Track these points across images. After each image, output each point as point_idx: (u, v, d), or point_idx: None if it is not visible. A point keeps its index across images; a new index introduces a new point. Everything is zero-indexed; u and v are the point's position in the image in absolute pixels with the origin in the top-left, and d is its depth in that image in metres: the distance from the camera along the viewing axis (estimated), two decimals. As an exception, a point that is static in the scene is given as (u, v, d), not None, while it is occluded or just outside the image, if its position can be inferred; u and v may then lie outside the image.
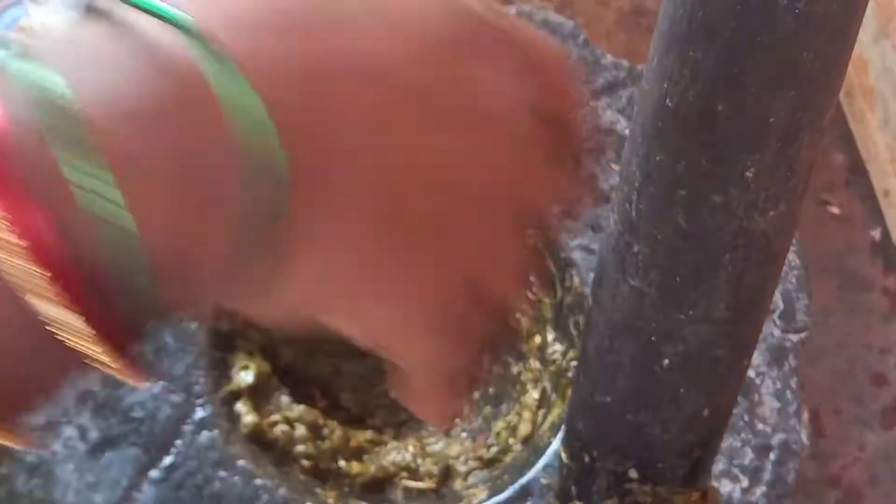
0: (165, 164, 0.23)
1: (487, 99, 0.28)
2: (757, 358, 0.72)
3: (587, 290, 0.73)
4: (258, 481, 0.67)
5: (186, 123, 0.24)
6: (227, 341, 0.73)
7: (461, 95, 0.27)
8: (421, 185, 0.27)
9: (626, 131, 0.57)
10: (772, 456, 0.70)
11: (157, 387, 0.68)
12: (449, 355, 0.32)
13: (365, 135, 0.25)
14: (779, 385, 0.72)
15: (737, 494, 0.69)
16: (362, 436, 0.76)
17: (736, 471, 0.70)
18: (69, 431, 0.66)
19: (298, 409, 0.73)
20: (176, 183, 0.24)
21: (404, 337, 0.31)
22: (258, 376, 0.71)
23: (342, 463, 0.73)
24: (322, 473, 0.72)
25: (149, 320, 0.25)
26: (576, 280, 0.74)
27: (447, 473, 0.75)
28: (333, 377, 0.83)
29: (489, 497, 0.70)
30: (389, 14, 0.26)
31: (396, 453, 0.76)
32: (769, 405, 0.71)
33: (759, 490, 0.69)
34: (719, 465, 0.69)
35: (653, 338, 0.45)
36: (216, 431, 0.68)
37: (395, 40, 0.26)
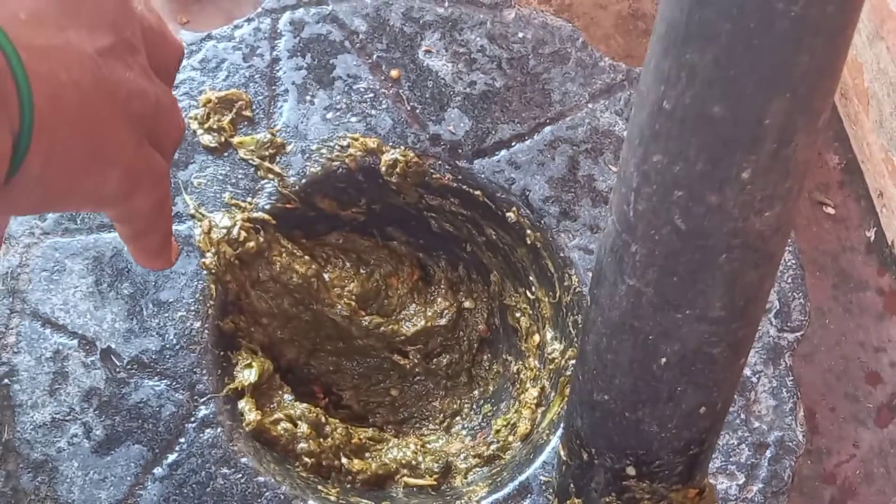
0: None
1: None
2: (753, 356, 0.72)
3: (585, 290, 0.73)
4: (261, 478, 0.67)
5: None
6: (229, 340, 0.73)
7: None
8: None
9: (624, 133, 0.58)
10: (768, 453, 0.70)
11: (161, 385, 0.68)
12: (151, 193, 0.43)
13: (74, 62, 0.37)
14: (775, 383, 0.72)
15: (733, 491, 0.69)
16: (363, 433, 0.76)
17: (732, 468, 0.70)
18: (74, 429, 0.67)
19: (300, 408, 0.73)
20: None
21: (121, 197, 0.42)
22: (261, 375, 0.72)
23: (344, 460, 0.73)
24: (324, 470, 0.72)
25: None
26: (574, 280, 0.74)
27: (447, 470, 0.76)
28: (335, 376, 0.84)
29: (489, 494, 0.70)
30: None
31: (397, 451, 0.76)
32: (765, 403, 0.71)
33: (756, 487, 0.70)
34: (716, 463, 0.70)
35: (650, 337, 0.45)
36: (219, 429, 0.68)
37: None
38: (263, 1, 0.81)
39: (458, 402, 0.85)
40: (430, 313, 0.84)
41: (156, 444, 0.67)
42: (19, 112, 0.35)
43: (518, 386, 0.82)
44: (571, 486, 0.57)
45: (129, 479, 0.66)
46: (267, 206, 0.75)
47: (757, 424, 0.71)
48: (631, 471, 0.52)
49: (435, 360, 0.85)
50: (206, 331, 0.70)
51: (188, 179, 0.74)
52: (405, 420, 0.85)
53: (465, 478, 0.75)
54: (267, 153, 0.75)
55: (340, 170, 0.77)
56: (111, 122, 0.39)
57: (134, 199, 0.42)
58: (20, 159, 0.35)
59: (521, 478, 0.70)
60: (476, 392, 0.86)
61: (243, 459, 0.67)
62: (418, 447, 0.77)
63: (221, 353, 0.72)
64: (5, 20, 0.35)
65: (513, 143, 0.77)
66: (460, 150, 0.77)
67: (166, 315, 0.70)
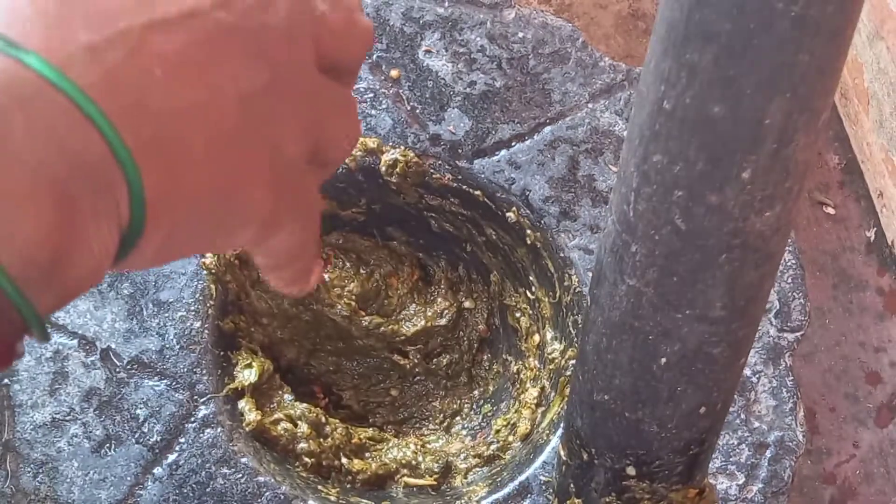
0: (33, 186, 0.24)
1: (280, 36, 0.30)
2: (753, 356, 0.72)
3: (585, 290, 0.73)
4: (261, 478, 0.67)
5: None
6: (229, 340, 0.73)
7: (259, 28, 0.30)
8: (237, 113, 0.29)
9: (624, 133, 0.58)
10: (768, 453, 0.70)
11: (161, 385, 0.68)
12: (297, 232, 0.35)
13: (183, 86, 0.28)
14: (775, 383, 0.72)
15: (733, 491, 0.69)
16: (363, 433, 0.76)
17: (732, 468, 0.70)
18: (74, 429, 0.67)
19: (300, 408, 0.73)
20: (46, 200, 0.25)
21: (266, 234, 0.34)
22: (261, 375, 0.72)
23: (344, 460, 0.73)
24: (324, 470, 0.72)
25: (21, 331, 0.26)
26: (574, 280, 0.74)
27: (447, 470, 0.76)
28: (335, 376, 0.84)
29: (489, 494, 0.70)
30: None
31: (397, 450, 0.76)
32: (765, 403, 0.71)
33: (756, 487, 0.70)
34: (716, 463, 0.70)
35: (650, 337, 0.45)
36: (219, 429, 0.68)
37: None
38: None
39: (458, 402, 0.85)
40: (430, 313, 0.84)
41: (156, 444, 0.67)
42: (129, 202, 0.27)
43: (518, 386, 0.82)
44: (571, 486, 0.57)
45: (129, 479, 0.66)
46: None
47: (757, 424, 0.71)
48: (631, 471, 0.52)
49: (435, 360, 0.85)
50: (206, 331, 0.70)
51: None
52: (405, 420, 0.85)
53: (465, 478, 0.75)
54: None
55: (340, 170, 0.77)
56: (251, 183, 0.30)
57: (272, 242, 0.34)
58: (129, 250, 0.29)
59: (521, 478, 0.70)
60: (476, 392, 0.86)
61: (243, 459, 0.67)
62: (418, 447, 0.77)
63: (221, 353, 0.72)
64: (97, 74, 0.25)
65: (513, 143, 0.77)
66: (460, 150, 0.77)
67: (166, 315, 0.70)
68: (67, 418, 0.67)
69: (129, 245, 0.28)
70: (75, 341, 0.69)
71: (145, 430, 0.67)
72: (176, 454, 0.67)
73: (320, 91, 0.33)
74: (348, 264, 0.84)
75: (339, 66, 0.34)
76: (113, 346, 0.69)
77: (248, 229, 0.32)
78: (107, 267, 0.28)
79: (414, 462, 0.75)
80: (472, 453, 0.77)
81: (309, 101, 0.32)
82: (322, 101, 0.33)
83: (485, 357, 0.87)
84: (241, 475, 0.67)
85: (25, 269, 0.24)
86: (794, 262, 0.75)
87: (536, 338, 0.80)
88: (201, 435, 0.68)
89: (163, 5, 0.27)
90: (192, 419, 0.68)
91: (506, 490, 0.70)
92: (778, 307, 0.74)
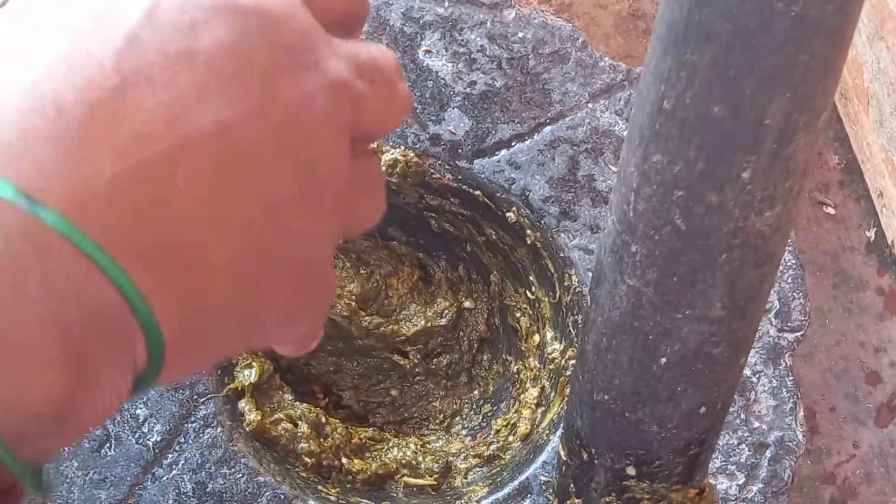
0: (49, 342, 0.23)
1: (313, 127, 0.27)
2: (753, 356, 0.72)
3: (585, 290, 0.73)
4: (261, 478, 0.67)
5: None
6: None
7: (290, 136, 0.26)
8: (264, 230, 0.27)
9: (624, 133, 0.58)
10: (768, 453, 0.70)
11: (161, 385, 0.68)
12: (313, 318, 0.32)
13: (208, 218, 0.25)
14: (775, 383, 0.72)
15: (733, 491, 0.69)
16: (364, 433, 0.76)
17: (732, 468, 0.70)
18: (73, 429, 0.67)
19: (300, 408, 0.73)
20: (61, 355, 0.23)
21: (277, 335, 0.32)
22: (261, 375, 0.72)
23: (344, 460, 0.73)
24: (324, 470, 0.72)
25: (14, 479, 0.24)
26: (574, 280, 0.74)
27: (447, 470, 0.76)
28: (335, 376, 0.84)
29: (489, 494, 0.70)
30: (198, 59, 0.25)
31: (397, 450, 0.76)
32: (765, 403, 0.71)
33: (756, 487, 0.70)
34: (716, 463, 0.70)
35: (650, 337, 0.45)
36: (219, 429, 0.68)
37: (211, 88, 0.25)
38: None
39: (458, 402, 0.85)
40: (430, 313, 0.84)
41: (156, 443, 0.67)
42: (146, 346, 0.25)
43: (518, 386, 0.82)
44: (571, 486, 0.57)
45: (129, 479, 0.66)
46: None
47: (757, 424, 0.71)
48: (631, 471, 0.52)
49: (435, 360, 0.85)
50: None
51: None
52: (405, 420, 0.85)
53: (465, 478, 0.75)
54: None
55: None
56: (275, 293, 0.28)
57: (287, 331, 0.32)
58: (145, 384, 0.27)
59: (521, 478, 0.70)
60: (476, 392, 0.86)
61: (243, 459, 0.67)
62: (418, 447, 0.77)
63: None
64: (118, 215, 0.23)
65: (513, 143, 0.77)
66: (460, 150, 0.77)
67: (166, 315, 0.70)
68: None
69: (144, 381, 0.27)
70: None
71: (145, 430, 0.67)
72: (176, 454, 0.67)
73: (352, 178, 0.30)
74: (348, 264, 0.84)
75: (372, 138, 0.31)
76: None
77: (268, 332, 0.30)
78: (117, 406, 0.26)
79: (414, 462, 0.75)
80: (472, 453, 0.77)
81: (341, 194, 0.29)
82: (353, 187, 0.30)
83: (485, 357, 0.87)
84: (241, 475, 0.67)
85: (25, 424, 0.23)
86: (794, 262, 0.75)
87: (536, 338, 0.80)
88: (201, 435, 0.67)
89: (196, 118, 0.25)
90: (192, 419, 0.68)
91: (506, 490, 0.70)
92: (778, 307, 0.74)
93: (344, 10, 0.30)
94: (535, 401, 0.77)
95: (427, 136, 0.77)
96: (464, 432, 0.83)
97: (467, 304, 0.86)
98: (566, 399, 0.63)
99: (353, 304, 0.81)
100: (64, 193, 0.23)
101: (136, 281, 0.24)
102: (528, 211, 0.76)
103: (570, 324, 0.76)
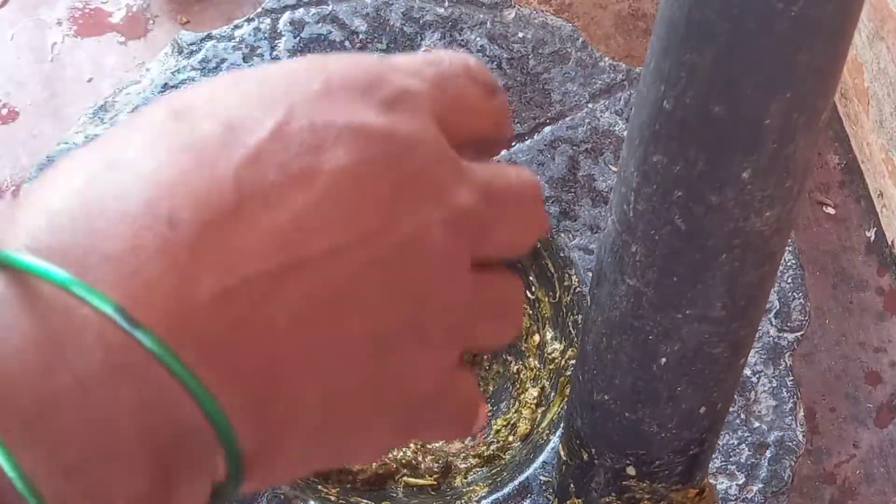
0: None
1: (427, 244, 0.26)
2: (753, 356, 0.72)
3: (585, 290, 0.73)
4: (260, 479, 0.67)
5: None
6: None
7: (405, 251, 0.25)
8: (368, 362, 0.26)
9: (624, 133, 0.58)
10: (768, 453, 0.70)
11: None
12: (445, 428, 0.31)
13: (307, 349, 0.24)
14: (775, 383, 0.72)
15: (733, 491, 0.69)
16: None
17: (732, 468, 0.70)
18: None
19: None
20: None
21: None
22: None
23: (344, 460, 0.73)
24: (324, 470, 0.72)
25: None
26: (574, 279, 0.74)
27: (447, 470, 0.76)
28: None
29: (489, 494, 0.70)
30: (302, 161, 0.24)
31: (397, 450, 0.76)
32: (765, 403, 0.71)
33: (756, 487, 0.70)
34: (716, 463, 0.70)
35: (650, 337, 0.45)
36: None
37: (326, 211, 0.24)
38: (263, 1, 0.81)
39: (458, 402, 0.85)
40: (430, 313, 0.84)
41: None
42: (226, 461, 0.24)
43: (518, 386, 0.82)
44: (571, 486, 0.57)
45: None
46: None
47: (757, 424, 0.71)
48: (631, 471, 0.52)
49: (435, 360, 0.85)
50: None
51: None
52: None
53: (465, 478, 0.75)
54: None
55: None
56: (374, 423, 0.27)
57: (419, 436, 0.30)
58: (222, 497, 0.26)
59: (521, 478, 0.70)
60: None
61: (243, 459, 0.67)
62: (418, 447, 0.77)
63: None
64: (212, 336, 0.23)
65: (513, 143, 0.77)
66: (460, 150, 0.77)
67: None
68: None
69: (223, 493, 0.26)
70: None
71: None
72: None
73: (475, 303, 0.28)
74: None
75: (502, 260, 0.29)
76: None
77: (380, 446, 0.29)
78: None
79: (414, 462, 0.75)
80: (472, 453, 0.77)
81: (454, 325, 0.27)
82: (475, 313, 0.28)
83: (485, 357, 0.87)
84: (240, 475, 0.67)
85: None
86: (794, 262, 0.75)
87: (536, 338, 0.80)
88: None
89: (308, 242, 0.24)
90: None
91: (506, 490, 0.70)
92: (778, 307, 0.74)
93: (483, 132, 0.29)
94: (535, 401, 0.77)
95: (427, 136, 0.77)
96: (464, 432, 0.83)
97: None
98: (566, 399, 0.63)
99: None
100: (164, 311, 0.23)
101: (223, 402, 0.23)
102: (528, 211, 0.76)
103: (570, 324, 0.76)
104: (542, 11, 0.82)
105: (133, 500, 0.23)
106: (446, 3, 0.80)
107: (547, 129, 0.77)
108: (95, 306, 0.22)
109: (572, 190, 0.76)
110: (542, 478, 0.69)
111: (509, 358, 0.84)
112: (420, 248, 0.25)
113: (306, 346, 0.24)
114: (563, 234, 0.75)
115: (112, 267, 0.23)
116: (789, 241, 0.75)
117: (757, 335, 0.52)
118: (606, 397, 0.50)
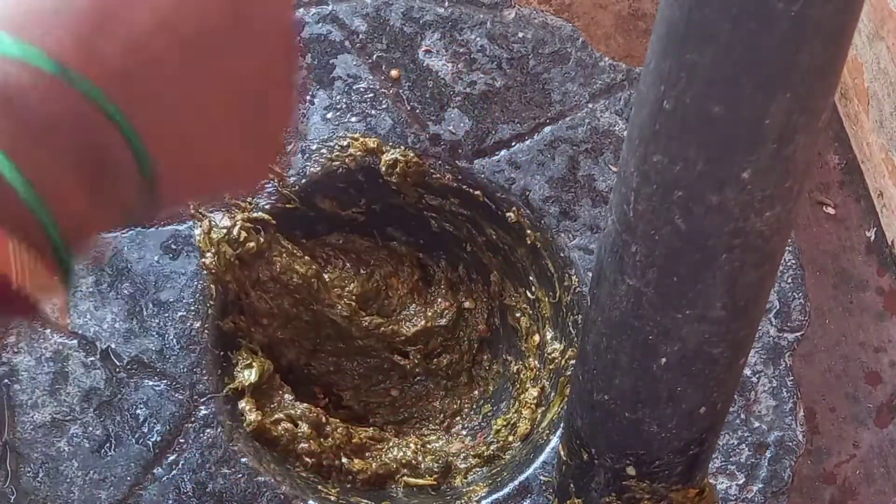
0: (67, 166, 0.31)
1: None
2: (753, 356, 0.72)
3: (585, 290, 0.74)
4: (261, 478, 0.67)
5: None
6: (229, 340, 0.73)
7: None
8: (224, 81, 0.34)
9: (624, 133, 0.58)
10: (768, 453, 0.70)
11: (161, 385, 0.68)
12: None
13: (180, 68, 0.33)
14: (775, 383, 0.72)
15: (733, 491, 0.69)
16: (364, 433, 0.76)
17: (732, 468, 0.70)
18: (74, 429, 0.67)
19: (301, 408, 0.73)
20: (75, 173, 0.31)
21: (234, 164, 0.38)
22: (261, 375, 0.72)
23: (344, 460, 0.73)
24: (324, 470, 0.72)
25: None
26: (574, 279, 0.74)
27: (447, 470, 0.76)
28: (335, 376, 0.84)
29: (489, 494, 0.71)
30: None
31: (397, 450, 0.76)
32: (765, 403, 0.72)
33: (756, 487, 0.70)
34: (716, 463, 0.70)
35: (650, 337, 0.45)
36: (219, 429, 0.68)
37: None
38: (263, 1, 0.80)
39: (458, 402, 0.85)
40: (430, 313, 0.84)
41: (156, 444, 0.67)
42: (135, 161, 0.32)
43: (518, 386, 0.82)
44: (571, 485, 0.57)
45: (129, 479, 0.66)
46: (267, 206, 0.75)
47: (757, 424, 0.71)
48: (631, 471, 0.52)
49: (435, 360, 0.85)
50: (206, 331, 0.70)
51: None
52: (405, 420, 0.85)
53: (465, 478, 0.75)
54: (267, 153, 0.75)
55: (340, 170, 0.77)
56: (226, 129, 0.36)
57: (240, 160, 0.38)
58: (149, 195, 0.34)
59: (521, 478, 0.70)
60: (476, 392, 0.86)
61: (243, 459, 0.67)
62: (418, 447, 0.77)
63: (221, 353, 0.72)
64: (113, 67, 0.31)
65: (513, 143, 0.77)
66: (460, 150, 0.77)
67: (166, 315, 0.70)
68: (67, 418, 0.67)
69: (147, 191, 0.33)
70: (75, 341, 0.69)
71: (145, 430, 0.67)
72: (176, 454, 0.67)
73: None
74: (348, 265, 0.84)
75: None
76: (113, 346, 0.69)
77: (227, 156, 0.36)
78: (130, 207, 0.33)
79: (414, 462, 0.75)
80: (472, 453, 0.77)
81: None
82: None
83: (485, 357, 0.87)
84: (241, 475, 0.67)
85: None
86: (794, 262, 0.75)
87: (536, 338, 0.80)
88: (201, 435, 0.68)
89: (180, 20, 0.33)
90: (192, 419, 0.68)
91: (506, 490, 0.70)
92: (778, 307, 0.74)
93: None
94: (535, 401, 0.77)
95: (427, 136, 0.77)
96: (464, 432, 0.83)
97: (467, 304, 0.86)
98: (566, 399, 0.63)
99: (354, 304, 0.81)
100: (93, 71, 0.31)
101: (128, 115, 0.31)
102: (528, 211, 0.76)
103: (570, 324, 0.76)
104: (542, 11, 0.82)
105: (77, 177, 0.31)
106: (446, 3, 0.80)
107: (547, 129, 0.77)
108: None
109: (572, 190, 0.76)
110: (542, 478, 0.70)
111: (509, 358, 0.84)
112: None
113: (184, 85, 0.33)
114: (563, 234, 0.75)
115: (42, 26, 0.30)
116: (789, 241, 0.75)
117: (757, 335, 0.52)
118: (606, 397, 0.50)
